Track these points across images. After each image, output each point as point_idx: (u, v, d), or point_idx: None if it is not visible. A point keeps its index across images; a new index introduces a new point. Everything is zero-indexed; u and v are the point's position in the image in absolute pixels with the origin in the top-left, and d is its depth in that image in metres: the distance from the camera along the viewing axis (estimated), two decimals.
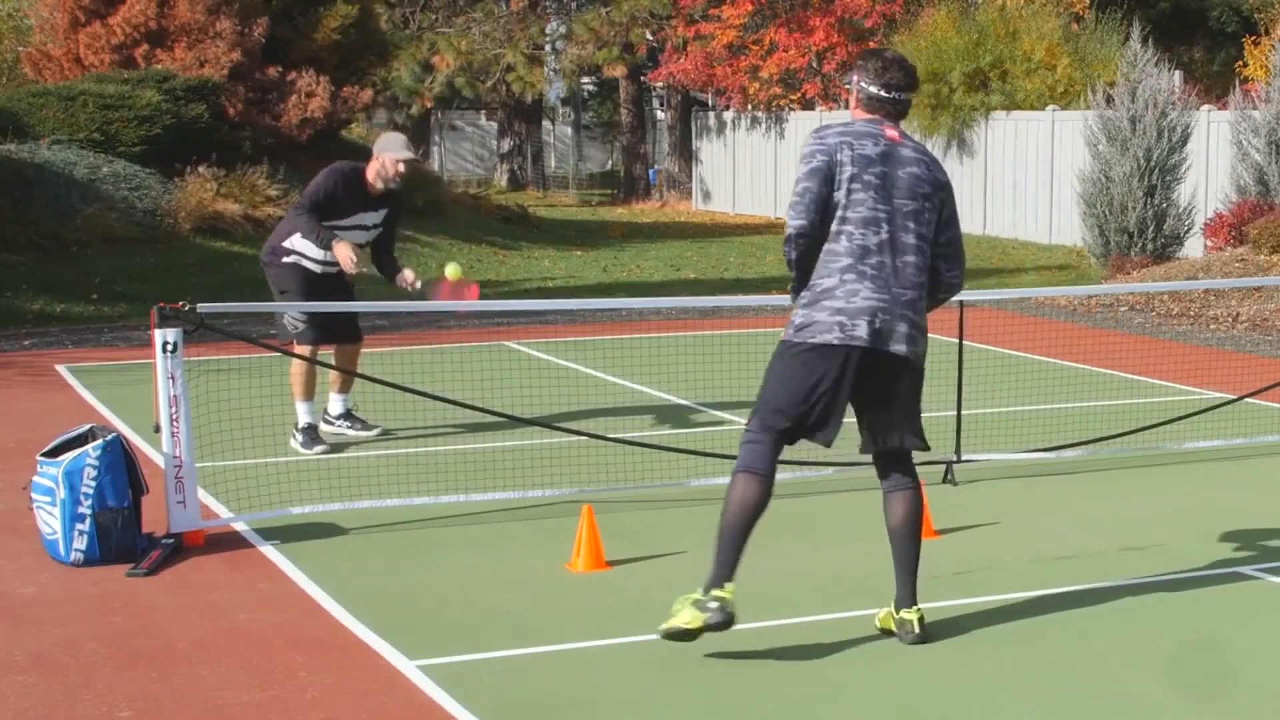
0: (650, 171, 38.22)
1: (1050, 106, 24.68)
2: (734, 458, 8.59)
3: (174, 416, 7.09)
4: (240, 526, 7.52)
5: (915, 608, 5.84)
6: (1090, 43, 26.64)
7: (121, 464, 6.99)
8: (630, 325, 15.16)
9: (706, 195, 33.23)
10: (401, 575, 6.78)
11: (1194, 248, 19.49)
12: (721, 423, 10.20)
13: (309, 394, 9.28)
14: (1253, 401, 10.22)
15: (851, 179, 5.60)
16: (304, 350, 9.17)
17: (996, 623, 6.10)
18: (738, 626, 6.00)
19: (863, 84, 5.80)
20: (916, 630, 5.81)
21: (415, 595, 6.49)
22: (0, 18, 28.47)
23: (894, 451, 5.93)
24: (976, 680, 5.49)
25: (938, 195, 5.75)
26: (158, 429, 7.15)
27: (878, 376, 5.75)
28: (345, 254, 8.96)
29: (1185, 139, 19.00)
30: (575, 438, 8.90)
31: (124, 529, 6.94)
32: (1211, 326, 15.21)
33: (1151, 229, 18.77)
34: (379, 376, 9.38)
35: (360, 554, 7.12)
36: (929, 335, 5.95)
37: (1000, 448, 9.09)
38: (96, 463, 6.90)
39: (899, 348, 5.70)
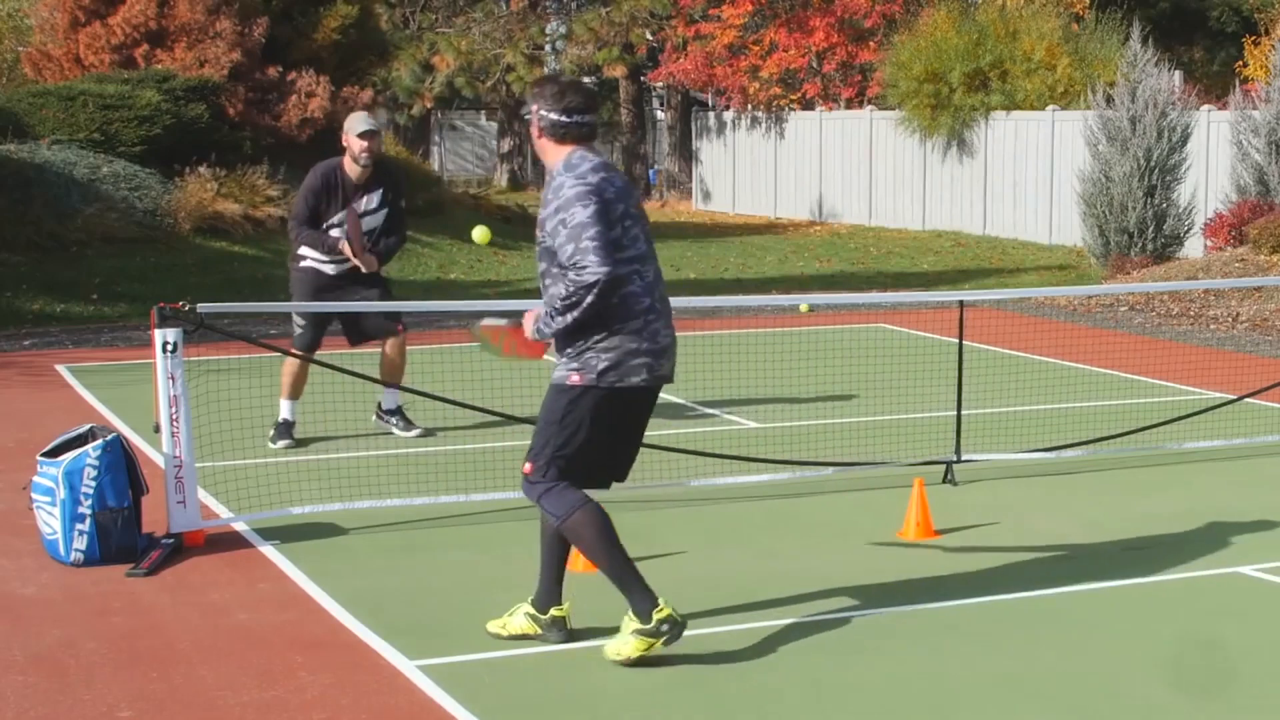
0: (650, 171, 38.23)
1: (1050, 106, 24.67)
2: (733, 458, 8.64)
3: (174, 416, 7.09)
4: (240, 526, 7.52)
5: (566, 604, 5.84)
6: (1090, 43, 26.63)
7: (121, 464, 6.99)
8: None
9: (706, 195, 33.23)
10: (401, 575, 6.78)
11: (1194, 248, 19.49)
12: (721, 423, 10.20)
13: (293, 393, 9.39)
14: (1253, 401, 10.23)
15: (624, 216, 5.42)
16: (298, 353, 9.25)
17: (996, 623, 6.10)
18: (737, 626, 6.01)
19: (543, 112, 5.51)
20: (570, 626, 5.81)
21: (415, 595, 6.49)
22: (0, 18, 28.45)
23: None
24: (976, 680, 5.49)
25: None
26: (158, 429, 7.15)
27: (647, 407, 5.65)
28: (349, 250, 9.16)
29: (1185, 139, 19.01)
30: None
31: (124, 529, 6.94)
32: (1211, 326, 15.21)
33: (1151, 229, 18.78)
34: (379, 377, 9.39)
35: (360, 554, 7.12)
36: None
37: (1000, 448, 9.09)
38: (96, 463, 6.90)
39: (671, 375, 5.61)
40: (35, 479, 6.99)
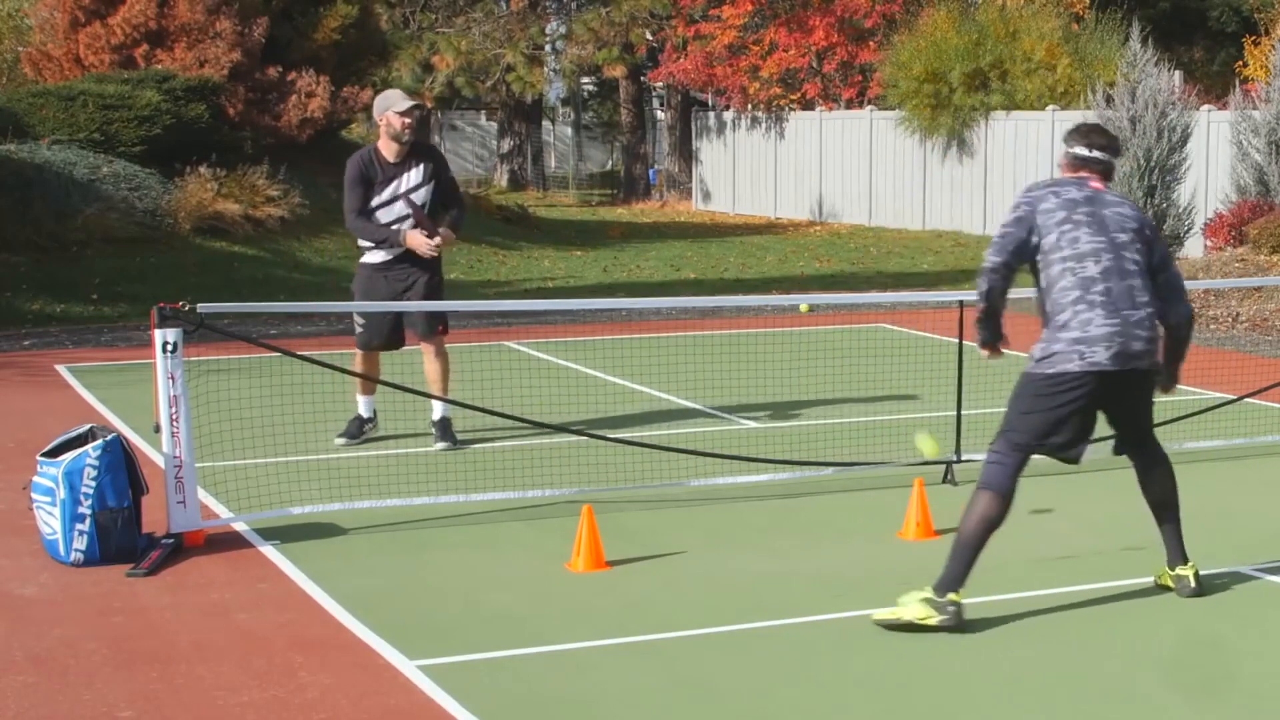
0: (650, 171, 38.22)
1: (1050, 106, 24.68)
2: (733, 458, 8.64)
3: (174, 416, 7.09)
4: (240, 526, 7.52)
5: (1189, 564, 6.39)
6: (1090, 43, 26.63)
7: (121, 464, 6.99)
8: (630, 325, 15.16)
9: (706, 195, 33.23)
10: (401, 575, 6.78)
11: (1194, 248, 19.48)
12: (722, 422, 10.20)
13: (365, 390, 9.38)
14: (1253, 401, 10.22)
15: (1062, 221, 6.07)
16: (357, 353, 9.33)
17: (997, 623, 6.10)
18: (737, 626, 6.02)
19: (1069, 148, 6.37)
20: (1193, 584, 6.33)
21: (415, 595, 6.49)
22: (0, 18, 28.45)
23: (1143, 442, 6.44)
24: (977, 680, 5.49)
25: (1145, 232, 6.17)
26: (158, 429, 7.15)
27: (1123, 391, 6.12)
28: (417, 241, 9.06)
29: (1185, 139, 19.00)
30: (575, 438, 8.90)
31: (124, 529, 6.94)
32: (1211, 326, 15.21)
33: None
34: (379, 377, 9.38)
35: (360, 554, 7.12)
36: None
37: None
38: (96, 463, 6.90)
39: (1138, 364, 6.03)
40: (35, 479, 6.99)
